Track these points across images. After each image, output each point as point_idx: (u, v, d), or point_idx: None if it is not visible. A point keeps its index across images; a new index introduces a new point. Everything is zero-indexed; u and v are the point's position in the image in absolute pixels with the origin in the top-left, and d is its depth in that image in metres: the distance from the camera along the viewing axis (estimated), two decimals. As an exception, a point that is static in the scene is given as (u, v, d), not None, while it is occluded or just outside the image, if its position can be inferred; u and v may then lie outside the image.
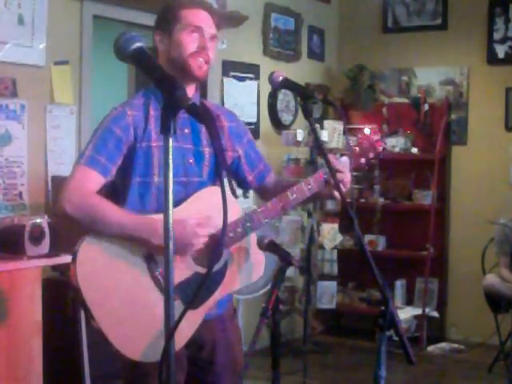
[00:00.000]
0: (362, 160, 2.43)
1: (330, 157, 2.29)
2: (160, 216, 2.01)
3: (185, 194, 2.28)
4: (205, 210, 2.23)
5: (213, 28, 2.33)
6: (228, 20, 5.33)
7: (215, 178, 2.38)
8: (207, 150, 2.36)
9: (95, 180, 2.20)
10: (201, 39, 2.29)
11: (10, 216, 3.74)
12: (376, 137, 2.44)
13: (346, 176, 2.33)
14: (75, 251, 2.14)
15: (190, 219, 2.18)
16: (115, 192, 2.28)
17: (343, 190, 2.29)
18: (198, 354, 2.37)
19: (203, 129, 2.35)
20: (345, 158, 2.39)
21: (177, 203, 2.21)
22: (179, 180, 2.26)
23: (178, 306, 2.03)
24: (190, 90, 2.35)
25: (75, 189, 2.17)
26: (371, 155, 2.44)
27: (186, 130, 2.33)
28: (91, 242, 2.16)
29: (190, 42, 2.28)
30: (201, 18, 2.30)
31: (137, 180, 2.26)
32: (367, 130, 2.47)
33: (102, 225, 2.15)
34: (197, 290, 2.08)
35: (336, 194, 2.32)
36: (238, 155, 2.47)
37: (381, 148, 2.45)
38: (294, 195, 2.33)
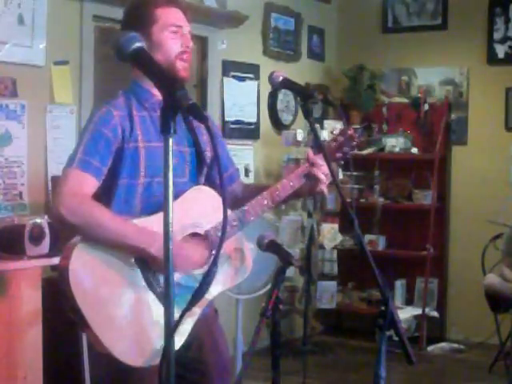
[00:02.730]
0: (339, 154, 2.42)
1: (310, 153, 2.36)
2: (147, 219, 2.08)
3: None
4: (193, 211, 2.24)
5: (188, 25, 2.34)
6: (228, 20, 5.33)
7: (197, 178, 2.38)
8: (187, 151, 2.36)
9: (90, 183, 2.16)
10: (183, 39, 2.30)
11: (10, 216, 3.74)
12: (350, 131, 2.44)
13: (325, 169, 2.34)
14: (66, 256, 2.09)
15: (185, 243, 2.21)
16: (100, 194, 2.22)
17: (326, 181, 2.34)
18: (185, 353, 2.28)
19: (182, 129, 2.29)
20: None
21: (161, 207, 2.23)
22: (162, 180, 2.27)
23: None
24: None
25: (71, 193, 2.12)
26: (346, 149, 2.43)
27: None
28: (83, 247, 2.11)
29: (173, 43, 2.28)
30: (178, 16, 2.31)
31: (123, 182, 2.23)
32: (341, 125, 2.49)
33: (100, 231, 2.10)
34: (197, 291, 2.07)
35: (322, 188, 2.35)
36: (212, 155, 2.44)
37: (355, 142, 2.44)
38: (278, 192, 2.33)
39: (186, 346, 2.28)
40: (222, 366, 2.41)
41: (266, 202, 2.32)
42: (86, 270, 2.10)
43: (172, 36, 2.28)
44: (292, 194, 2.37)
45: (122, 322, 2.13)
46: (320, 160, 2.34)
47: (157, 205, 2.16)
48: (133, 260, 2.16)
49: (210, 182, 2.42)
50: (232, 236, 2.28)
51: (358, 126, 2.55)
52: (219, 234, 2.21)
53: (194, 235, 2.26)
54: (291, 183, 2.35)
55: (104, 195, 2.22)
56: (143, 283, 2.17)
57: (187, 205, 2.25)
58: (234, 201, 2.40)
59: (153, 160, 2.23)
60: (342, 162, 2.53)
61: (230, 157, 2.55)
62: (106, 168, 2.20)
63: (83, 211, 2.11)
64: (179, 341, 2.17)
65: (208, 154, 2.41)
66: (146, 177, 2.25)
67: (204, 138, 2.39)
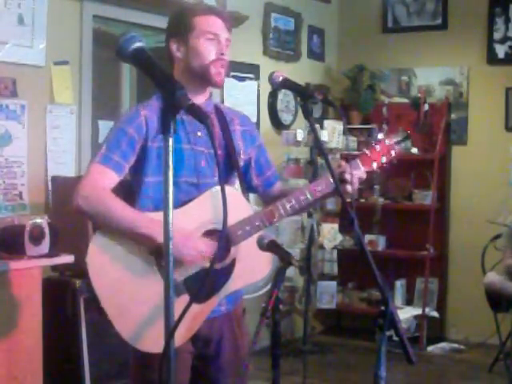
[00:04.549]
0: (374, 164, 2.44)
1: (341, 162, 2.39)
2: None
3: (198, 194, 2.33)
4: (213, 209, 2.27)
5: (227, 33, 2.39)
6: (228, 20, 5.33)
7: (227, 179, 2.43)
8: (220, 153, 2.40)
9: (109, 176, 2.27)
10: (219, 46, 2.35)
11: (10, 216, 3.74)
12: (390, 141, 2.46)
13: (354, 177, 2.35)
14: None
15: (195, 234, 2.24)
16: (130, 191, 2.34)
17: (351, 189, 2.34)
18: (204, 350, 2.40)
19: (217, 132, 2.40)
20: (357, 161, 2.42)
21: (186, 203, 2.29)
22: (191, 181, 2.34)
23: (185, 300, 2.09)
24: (205, 96, 2.42)
25: (89, 184, 2.25)
26: (384, 159, 2.46)
27: (199, 134, 2.38)
28: (102, 235, 2.25)
29: (208, 50, 2.34)
30: (216, 24, 2.36)
31: (149, 179, 2.32)
32: (381, 135, 2.49)
33: (112, 220, 2.22)
34: (200, 287, 2.12)
35: (348, 189, 2.35)
36: (249, 158, 2.51)
37: (393, 153, 2.47)
38: (305, 196, 2.35)
39: (206, 342, 2.39)
40: (238, 364, 2.45)
41: (291, 205, 2.34)
42: (102, 255, 2.23)
43: (208, 43, 2.34)
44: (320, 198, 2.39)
45: (131, 307, 2.22)
46: (351, 169, 2.36)
47: (181, 202, 2.27)
48: (148, 249, 2.23)
49: (244, 185, 2.49)
50: (253, 235, 2.29)
51: (399, 138, 2.51)
52: (238, 232, 2.28)
53: (213, 232, 2.30)
54: (319, 188, 2.36)
55: (132, 191, 2.34)
56: (157, 271, 2.24)
57: (208, 203, 2.30)
58: (267, 203, 2.46)
59: (178, 160, 2.30)
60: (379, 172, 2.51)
61: (269, 161, 2.58)
62: (128, 164, 2.30)
63: (97, 201, 2.23)
64: (184, 337, 2.24)
65: (242, 157, 2.47)
66: (174, 176, 2.28)
67: (239, 142, 2.46)
